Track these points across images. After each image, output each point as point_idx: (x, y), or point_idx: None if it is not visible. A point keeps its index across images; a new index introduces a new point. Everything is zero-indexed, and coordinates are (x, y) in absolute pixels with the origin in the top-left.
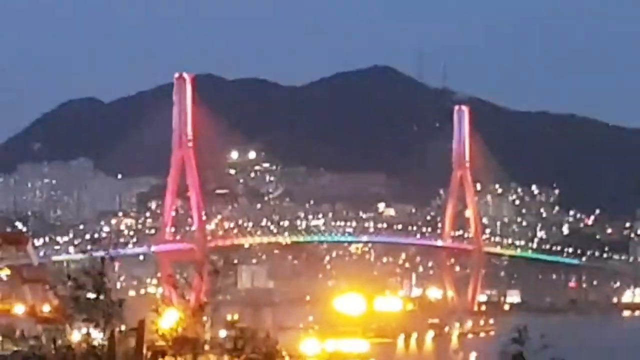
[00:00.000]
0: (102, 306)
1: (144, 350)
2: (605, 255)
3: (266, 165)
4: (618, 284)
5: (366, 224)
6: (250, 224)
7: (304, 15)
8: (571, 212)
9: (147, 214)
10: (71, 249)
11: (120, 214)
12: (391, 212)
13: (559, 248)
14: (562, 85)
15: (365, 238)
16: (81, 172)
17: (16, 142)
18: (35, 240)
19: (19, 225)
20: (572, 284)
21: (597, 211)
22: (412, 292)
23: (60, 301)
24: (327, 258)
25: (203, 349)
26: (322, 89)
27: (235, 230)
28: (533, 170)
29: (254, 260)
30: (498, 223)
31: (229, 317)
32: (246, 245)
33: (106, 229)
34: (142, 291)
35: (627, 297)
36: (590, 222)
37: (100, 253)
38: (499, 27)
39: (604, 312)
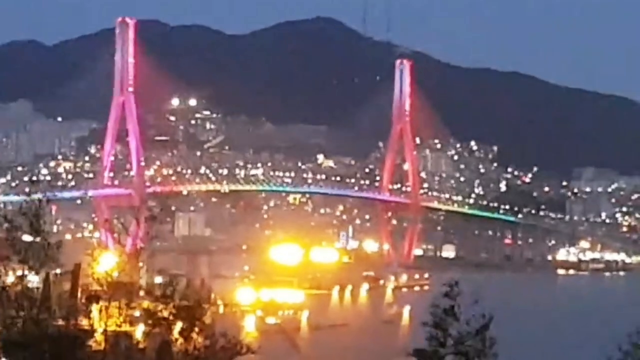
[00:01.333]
0: (38, 248)
1: (79, 294)
2: (541, 213)
3: (207, 113)
4: (553, 242)
5: (305, 175)
6: (189, 172)
7: None
8: (509, 169)
9: (86, 158)
10: (8, 190)
11: (59, 157)
12: (330, 163)
13: (495, 204)
14: (506, 43)
15: (303, 188)
16: (21, 114)
17: None
18: None
19: None
20: (507, 240)
21: (535, 169)
22: (349, 245)
23: None
24: (265, 207)
25: (137, 294)
26: (266, 38)
27: (174, 177)
28: (473, 127)
29: (192, 208)
30: (436, 178)
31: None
32: (184, 193)
33: (44, 171)
34: (79, 235)
35: (562, 255)
36: (527, 179)
37: (38, 195)
38: None
39: (538, 269)
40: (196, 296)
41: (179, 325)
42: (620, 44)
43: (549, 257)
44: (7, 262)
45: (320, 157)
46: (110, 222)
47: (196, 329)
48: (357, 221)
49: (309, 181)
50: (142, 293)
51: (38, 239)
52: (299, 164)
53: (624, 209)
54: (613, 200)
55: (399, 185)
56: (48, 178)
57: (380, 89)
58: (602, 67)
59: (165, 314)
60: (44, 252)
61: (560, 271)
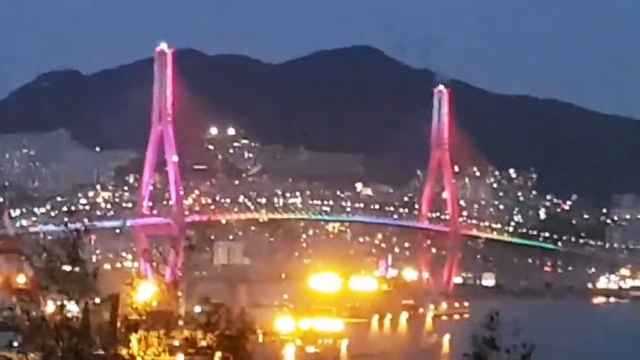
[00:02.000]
0: (76, 278)
1: (118, 324)
2: (581, 240)
3: (245, 141)
4: (593, 269)
5: (343, 203)
6: (228, 200)
7: None
8: (548, 197)
9: (125, 188)
10: (48, 220)
11: (98, 186)
12: (369, 191)
13: (535, 232)
14: (544, 70)
15: (342, 217)
16: (59, 144)
17: None
18: (12, 211)
19: None
20: (547, 268)
21: (574, 196)
22: (388, 273)
23: (35, 272)
24: (304, 236)
25: (177, 323)
26: (304, 67)
27: (213, 206)
28: (511, 154)
29: (231, 237)
30: (475, 206)
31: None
32: (223, 221)
33: (83, 201)
34: (118, 265)
35: (602, 283)
36: (567, 207)
37: (77, 225)
38: (484, 9)
39: (578, 297)
40: (239, 325)
41: (218, 355)
42: None
43: (589, 285)
44: (46, 292)
45: (359, 186)
46: (149, 252)
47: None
48: (396, 249)
49: (348, 209)
50: (181, 322)
51: (77, 269)
52: (338, 192)
53: None
54: None
55: (438, 214)
56: (87, 208)
57: (419, 116)
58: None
59: (206, 343)
60: (83, 282)
61: (601, 299)
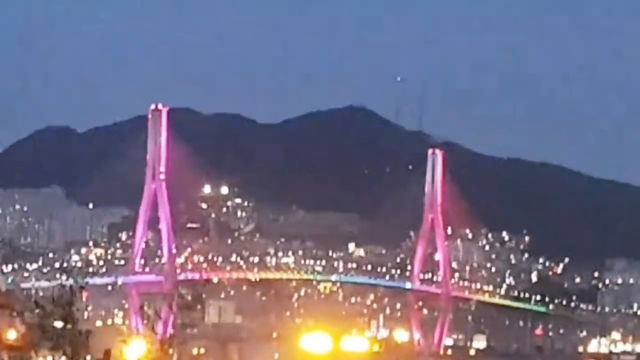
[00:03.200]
0: (69, 335)
1: None
2: (572, 304)
3: (238, 200)
4: (585, 333)
5: (336, 264)
6: (220, 259)
7: (282, 53)
8: (540, 260)
9: (118, 245)
10: (40, 276)
11: (91, 243)
12: (361, 252)
13: (527, 295)
14: (536, 134)
15: (334, 277)
16: (52, 200)
17: None
18: (4, 267)
19: None
20: (538, 331)
21: (567, 259)
22: (379, 333)
23: (27, 329)
24: (296, 296)
25: None
26: (298, 127)
27: (205, 265)
28: (504, 217)
29: (222, 295)
30: (467, 268)
31: (195, 351)
32: (215, 280)
33: (75, 258)
34: (109, 321)
35: (593, 346)
36: (559, 270)
37: (69, 282)
38: (477, 73)
39: None
40: None
41: None
42: None
43: (580, 349)
44: (38, 348)
45: (352, 246)
46: (142, 309)
47: None
48: (388, 310)
49: (340, 270)
50: None
51: (69, 326)
52: (330, 253)
53: None
54: None
55: (430, 275)
56: (79, 265)
57: (412, 178)
58: (633, 159)
59: None
60: (76, 339)
61: None
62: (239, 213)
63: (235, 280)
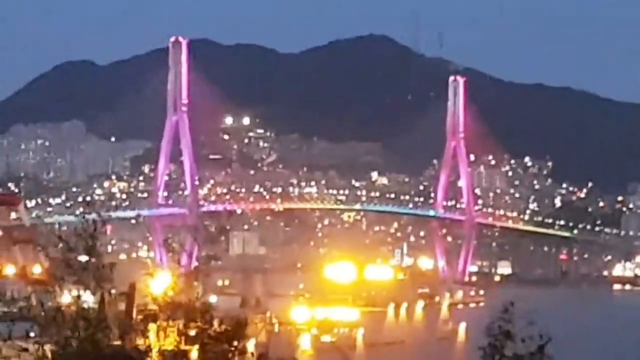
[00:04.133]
0: (92, 269)
1: (134, 314)
2: (596, 228)
3: (260, 131)
4: (609, 257)
5: (359, 193)
6: (243, 190)
7: None
8: (564, 185)
9: (140, 178)
10: (63, 210)
11: (113, 177)
12: (384, 181)
13: (550, 220)
14: (558, 58)
15: (357, 206)
16: (74, 135)
17: (10, 103)
18: (28, 202)
19: (12, 186)
20: (563, 256)
21: (590, 184)
22: (403, 262)
23: (51, 263)
24: (319, 226)
25: (194, 314)
26: (319, 57)
27: (228, 196)
28: (527, 142)
29: (246, 227)
30: (491, 194)
31: (219, 283)
32: (238, 211)
33: (98, 191)
34: (134, 255)
35: (618, 270)
36: (582, 195)
37: (93, 216)
38: None
39: (594, 285)
40: (238, 319)
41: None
42: None
43: (605, 273)
44: (62, 282)
45: (374, 175)
46: (166, 242)
47: (242, 351)
48: (412, 238)
49: (363, 199)
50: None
51: (92, 260)
52: (353, 182)
53: None
54: None
55: (453, 202)
56: (102, 198)
57: (434, 105)
58: None
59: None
60: (100, 273)
61: (616, 286)
62: (261, 144)
63: (259, 211)
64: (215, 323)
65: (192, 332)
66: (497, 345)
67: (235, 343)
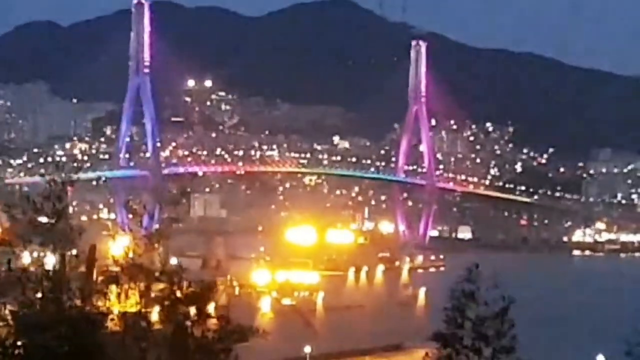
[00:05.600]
0: (59, 231)
1: (95, 275)
2: (557, 194)
3: (222, 94)
4: (569, 223)
5: (320, 156)
6: (205, 153)
7: None
8: (525, 150)
9: (102, 140)
10: (25, 171)
11: (75, 138)
12: (346, 144)
13: (511, 186)
14: (522, 24)
15: (319, 170)
16: (36, 96)
17: None
18: None
19: None
20: (523, 221)
21: (551, 150)
22: (364, 226)
23: (13, 224)
24: (281, 189)
25: (154, 276)
26: (282, 20)
27: (190, 159)
28: (488, 108)
29: (207, 189)
30: (452, 159)
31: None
32: (200, 174)
33: (60, 153)
34: (95, 217)
35: (578, 236)
36: (543, 160)
37: (58, 177)
38: None
39: (554, 250)
40: (205, 281)
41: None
42: (636, 25)
43: (565, 239)
44: (27, 243)
45: (336, 139)
46: (127, 204)
47: (206, 313)
48: (373, 202)
49: (325, 162)
50: (157, 275)
51: (58, 221)
52: (315, 146)
53: None
54: (629, 181)
55: (414, 167)
56: (64, 160)
57: (396, 70)
58: (619, 48)
59: (176, 296)
60: (65, 234)
61: (576, 252)
62: (223, 106)
63: (220, 174)
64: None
65: (153, 295)
66: (460, 307)
67: (199, 305)
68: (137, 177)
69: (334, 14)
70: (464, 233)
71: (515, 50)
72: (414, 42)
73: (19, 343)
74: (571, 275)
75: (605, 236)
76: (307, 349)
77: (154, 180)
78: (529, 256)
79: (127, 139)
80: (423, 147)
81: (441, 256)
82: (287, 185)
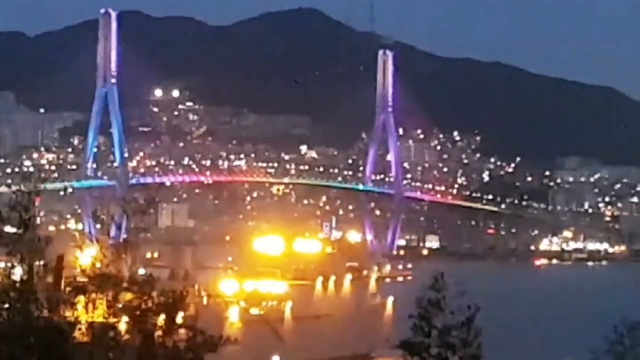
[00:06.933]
0: (26, 241)
1: (62, 286)
2: (524, 203)
3: (190, 104)
4: (536, 232)
5: (288, 166)
6: (172, 162)
7: None
8: (492, 159)
9: (69, 150)
10: None
11: (42, 148)
12: (313, 154)
13: (478, 194)
14: (488, 33)
15: (286, 179)
16: (3, 106)
17: None
18: None
19: None
20: (490, 230)
21: (518, 159)
22: (332, 235)
23: None
24: (248, 198)
25: (122, 286)
26: (249, 29)
27: (157, 168)
28: (456, 117)
29: (175, 199)
30: (419, 168)
31: (148, 255)
32: (167, 184)
33: (27, 163)
34: (62, 227)
35: (545, 245)
36: (510, 169)
37: (24, 187)
38: None
39: (521, 259)
40: (176, 291)
41: (160, 319)
42: (603, 34)
43: (532, 247)
44: None
45: (304, 148)
46: (95, 214)
47: (176, 323)
48: (341, 212)
49: (292, 172)
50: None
51: (25, 232)
52: (282, 155)
53: (607, 199)
54: (596, 190)
55: (382, 176)
56: (31, 170)
57: (364, 79)
58: (585, 57)
59: (147, 306)
60: (33, 244)
61: (543, 261)
62: (190, 116)
63: (188, 184)
64: (154, 295)
65: (121, 305)
66: (426, 316)
67: (168, 315)
68: (105, 187)
69: (302, 23)
70: (432, 242)
71: (482, 59)
72: (380, 52)
73: None
74: (538, 283)
75: (572, 245)
76: (276, 359)
77: (121, 190)
78: (496, 265)
79: (95, 149)
80: (390, 156)
81: (409, 265)
82: (255, 194)
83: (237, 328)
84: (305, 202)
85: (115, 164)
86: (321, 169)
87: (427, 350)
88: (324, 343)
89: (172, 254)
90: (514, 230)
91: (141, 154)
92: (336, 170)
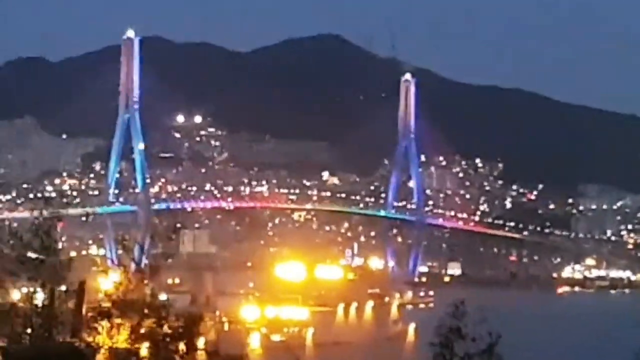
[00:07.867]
0: (48, 266)
1: (84, 311)
2: (546, 230)
3: (211, 130)
4: (559, 259)
5: (310, 192)
6: (194, 188)
7: None
8: (514, 187)
9: (91, 175)
10: (13, 207)
11: (64, 174)
12: (335, 180)
13: (501, 222)
14: (510, 60)
15: (308, 206)
16: (26, 131)
17: None
18: None
19: None
20: (512, 258)
21: (540, 186)
22: (354, 262)
23: (1, 259)
24: (270, 225)
25: (144, 311)
26: (270, 55)
27: (179, 194)
28: (478, 144)
29: (197, 225)
30: (441, 195)
31: (169, 281)
32: (189, 209)
33: (49, 188)
34: (84, 252)
35: (567, 272)
36: (533, 196)
37: (46, 212)
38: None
39: (543, 286)
40: (191, 316)
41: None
42: (624, 62)
43: (554, 275)
44: (16, 279)
45: (325, 174)
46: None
47: (196, 348)
48: (362, 238)
49: (314, 198)
50: (146, 311)
51: (48, 257)
52: (304, 181)
53: (629, 227)
54: (618, 217)
55: (404, 203)
56: (53, 195)
57: (386, 105)
58: (606, 84)
59: (163, 331)
60: (55, 270)
61: (566, 288)
62: (212, 142)
63: (210, 210)
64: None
65: (143, 330)
66: (447, 343)
67: (188, 340)
68: (127, 212)
69: (322, 49)
70: (454, 269)
71: (504, 86)
72: (403, 78)
73: None
74: (560, 311)
75: (594, 272)
76: None
77: (144, 215)
78: (518, 292)
79: (117, 175)
80: (412, 183)
81: (430, 292)
82: (277, 221)
83: (258, 354)
84: (327, 228)
85: (137, 190)
86: (343, 195)
87: None
88: None
89: (194, 280)
90: (536, 258)
91: (163, 179)
92: (358, 197)
